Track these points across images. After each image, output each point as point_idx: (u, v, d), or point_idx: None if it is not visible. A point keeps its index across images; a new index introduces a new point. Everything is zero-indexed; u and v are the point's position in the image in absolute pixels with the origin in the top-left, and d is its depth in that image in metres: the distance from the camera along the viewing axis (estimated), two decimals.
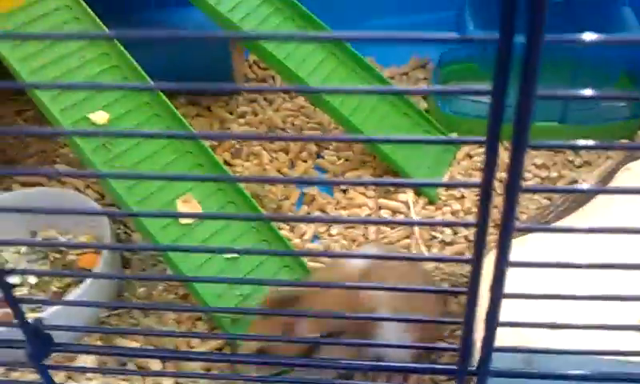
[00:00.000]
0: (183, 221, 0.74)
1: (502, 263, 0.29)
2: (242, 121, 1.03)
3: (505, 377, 0.34)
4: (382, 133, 0.94)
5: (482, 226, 0.28)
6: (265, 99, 1.07)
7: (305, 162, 0.98)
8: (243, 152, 0.98)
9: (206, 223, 0.75)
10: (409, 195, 0.91)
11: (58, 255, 0.87)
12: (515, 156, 0.26)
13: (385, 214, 0.89)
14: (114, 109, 0.76)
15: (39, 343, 0.38)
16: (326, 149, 0.99)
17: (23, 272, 0.82)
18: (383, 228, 0.87)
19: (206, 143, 0.81)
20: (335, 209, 0.91)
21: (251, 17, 0.91)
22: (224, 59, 1.02)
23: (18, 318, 0.36)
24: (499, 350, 0.32)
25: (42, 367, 0.39)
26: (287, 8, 0.95)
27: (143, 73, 0.78)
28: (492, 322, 0.31)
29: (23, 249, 0.88)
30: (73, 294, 0.76)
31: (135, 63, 0.78)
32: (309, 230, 0.88)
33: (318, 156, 0.99)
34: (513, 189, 0.27)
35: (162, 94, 0.78)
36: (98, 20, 0.79)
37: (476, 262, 0.30)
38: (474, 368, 0.34)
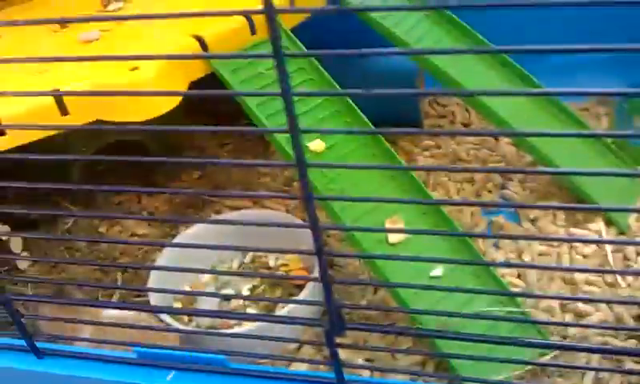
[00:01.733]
0: (392, 240, 0.80)
1: None
2: (426, 153, 1.09)
3: None
4: (569, 163, 0.95)
5: None
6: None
7: (490, 192, 1.01)
8: (430, 183, 1.03)
9: (412, 244, 0.80)
10: (600, 224, 0.92)
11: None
12: None
13: (576, 243, 0.91)
14: (329, 139, 0.84)
15: (336, 322, 0.44)
16: (510, 180, 1.02)
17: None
18: (575, 256, 0.88)
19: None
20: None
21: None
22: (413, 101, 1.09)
23: (327, 296, 0.43)
24: None
25: (334, 346, 0.45)
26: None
27: (359, 113, 0.85)
28: None
29: (235, 266, 0.98)
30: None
31: (353, 105, 0.86)
32: (498, 256, 0.91)
33: (503, 187, 1.02)
34: None
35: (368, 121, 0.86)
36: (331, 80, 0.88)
37: None
38: None
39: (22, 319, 0.58)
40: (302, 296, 0.84)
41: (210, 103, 1.24)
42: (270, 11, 0.35)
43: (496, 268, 0.82)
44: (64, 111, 0.79)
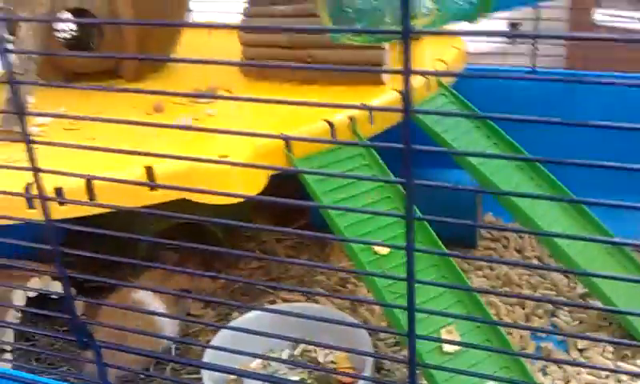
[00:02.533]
0: (446, 349, 0.83)
1: None
2: (479, 273, 1.13)
3: None
4: (620, 300, 0.97)
5: None
6: (500, 256, 1.16)
7: (540, 318, 1.03)
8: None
9: (467, 355, 0.83)
10: None
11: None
12: None
13: (623, 377, 0.92)
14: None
15: None
16: (561, 308, 1.05)
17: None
18: None
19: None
20: (571, 366, 0.95)
21: (500, 176, 1.03)
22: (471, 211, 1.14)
23: None
24: None
25: None
26: (532, 171, 1.06)
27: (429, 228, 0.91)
28: None
29: (284, 356, 1.01)
30: None
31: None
32: (546, 381, 0.92)
33: (553, 314, 1.04)
34: None
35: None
36: (384, 166, 0.94)
37: None
38: None
39: None
40: None
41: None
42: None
43: None
44: (153, 186, 0.85)
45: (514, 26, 2.63)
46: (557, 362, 0.96)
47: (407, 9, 0.39)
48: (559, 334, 1.01)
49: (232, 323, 1.02)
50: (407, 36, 0.39)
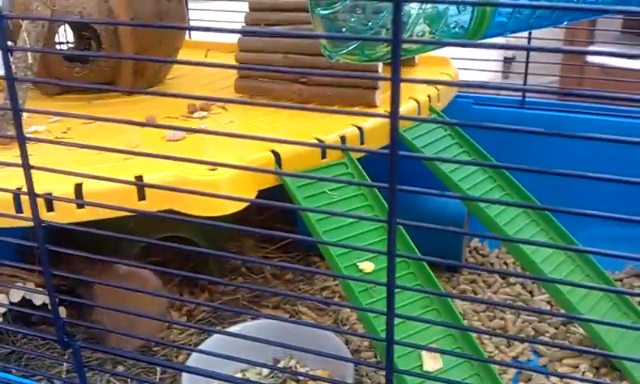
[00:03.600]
0: (427, 368, 0.83)
1: None
2: (463, 297, 1.14)
3: None
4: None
5: None
6: (484, 282, 1.17)
7: (521, 343, 1.04)
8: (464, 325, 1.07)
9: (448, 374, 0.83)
10: None
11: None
12: None
13: None
14: (379, 262, 0.90)
15: None
16: (543, 335, 1.06)
17: None
18: None
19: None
20: None
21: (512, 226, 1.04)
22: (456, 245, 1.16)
23: None
24: None
25: None
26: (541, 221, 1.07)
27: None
28: None
29: (265, 372, 1.01)
30: None
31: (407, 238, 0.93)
32: None
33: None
34: None
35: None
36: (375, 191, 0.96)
37: None
38: None
39: None
40: None
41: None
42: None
43: None
44: (142, 196, 0.86)
45: (508, 60, 2.68)
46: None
47: (399, 16, 0.40)
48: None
49: (212, 338, 1.02)
50: (397, 43, 0.40)
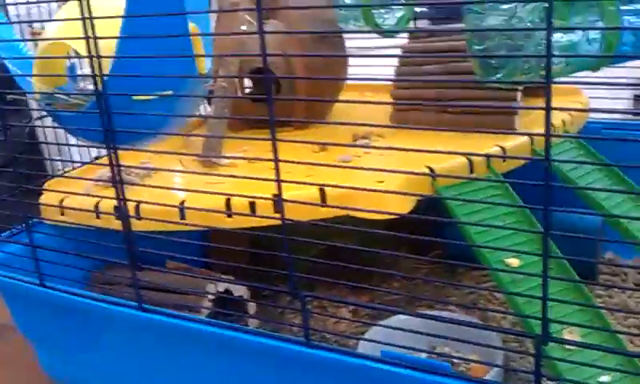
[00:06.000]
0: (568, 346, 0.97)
1: None
2: (599, 300, 1.26)
3: None
4: None
5: None
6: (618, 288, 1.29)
7: None
8: None
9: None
10: None
11: None
12: None
13: None
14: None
15: None
16: None
17: None
18: None
19: None
20: None
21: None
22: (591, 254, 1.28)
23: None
24: None
25: None
26: None
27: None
28: None
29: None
30: None
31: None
32: None
33: None
34: None
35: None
36: (516, 196, 1.12)
37: None
38: None
39: None
40: None
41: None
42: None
43: None
44: (324, 201, 1.08)
45: (638, 98, 2.69)
46: None
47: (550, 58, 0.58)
48: None
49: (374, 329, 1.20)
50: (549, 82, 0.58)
